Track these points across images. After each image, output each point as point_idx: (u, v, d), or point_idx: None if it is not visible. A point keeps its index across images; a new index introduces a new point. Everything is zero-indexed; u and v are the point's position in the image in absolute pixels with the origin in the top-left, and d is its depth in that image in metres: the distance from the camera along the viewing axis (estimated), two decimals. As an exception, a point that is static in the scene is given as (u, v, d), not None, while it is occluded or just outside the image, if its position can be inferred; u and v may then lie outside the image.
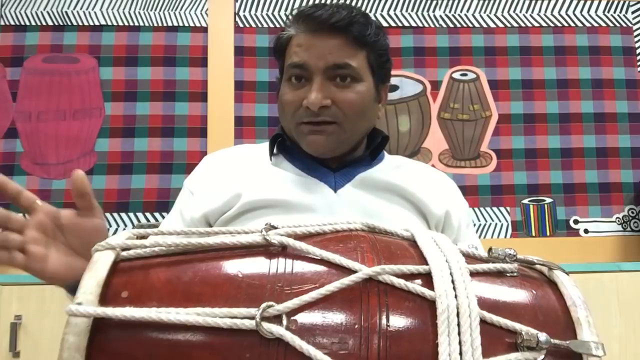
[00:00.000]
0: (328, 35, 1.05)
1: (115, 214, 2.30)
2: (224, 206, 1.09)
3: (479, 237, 2.36)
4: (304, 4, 2.47)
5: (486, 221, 2.42)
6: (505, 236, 2.42)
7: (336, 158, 1.12)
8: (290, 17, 1.12)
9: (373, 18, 1.13)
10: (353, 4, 2.51)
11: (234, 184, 1.10)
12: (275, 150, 1.18)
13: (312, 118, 1.05)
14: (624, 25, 2.59)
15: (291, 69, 1.08)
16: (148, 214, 2.31)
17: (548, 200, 2.45)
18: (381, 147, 1.19)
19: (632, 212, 2.46)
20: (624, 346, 1.85)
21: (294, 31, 1.09)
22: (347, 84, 1.06)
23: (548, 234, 2.44)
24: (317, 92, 1.03)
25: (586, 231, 2.44)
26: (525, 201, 2.44)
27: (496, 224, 2.42)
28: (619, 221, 2.45)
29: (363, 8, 2.51)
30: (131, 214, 2.30)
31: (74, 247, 0.89)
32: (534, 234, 2.44)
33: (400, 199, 1.11)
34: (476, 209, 2.42)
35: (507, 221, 2.43)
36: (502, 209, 2.43)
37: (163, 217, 2.28)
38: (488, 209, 2.43)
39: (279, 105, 1.13)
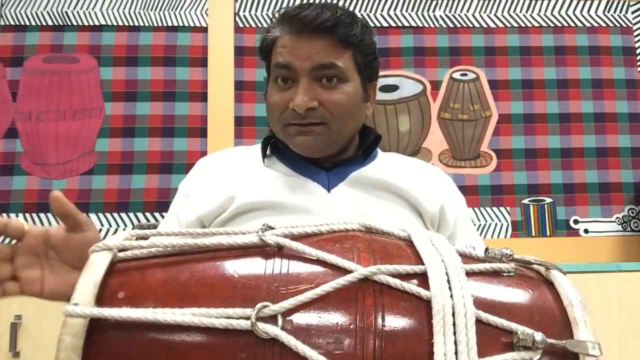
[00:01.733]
0: (313, 36, 1.04)
1: (115, 214, 2.31)
2: (218, 209, 1.09)
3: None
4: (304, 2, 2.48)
5: (486, 221, 2.42)
6: (505, 236, 2.42)
7: (328, 158, 1.12)
8: (275, 17, 1.11)
9: (359, 16, 1.12)
10: (353, 4, 2.51)
11: (228, 187, 1.10)
12: (268, 152, 1.18)
13: (299, 120, 1.05)
14: (624, 25, 2.59)
15: (277, 69, 1.07)
16: (148, 214, 2.32)
17: (548, 200, 2.45)
18: (374, 146, 1.19)
19: (632, 212, 2.46)
20: (624, 346, 1.85)
21: (279, 32, 1.08)
22: (333, 85, 1.05)
23: (548, 234, 2.44)
24: (303, 94, 1.03)
25: (586, 231, 2.44)
26: (525, 201, 2.44)
27: (496, 224, 2.42)
28: (619, 221, 2.45)
29: (364, 8, 2.51)
30: (131, 214, 2.30)
31: (70, 262, 0.89)
32: (534, 234, 2.44)
33: (394, 197, 1.11)
34: (476, 209, 2.42)
35: (507, 221, 2.43)
36: (502, 209, 2.43)
37: (163, 217, 2.28)
38: (488, 209, 2.43)
39: (266, 106, 1.12)
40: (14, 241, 0.87)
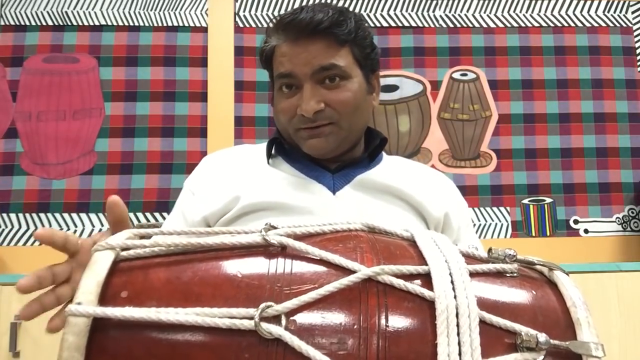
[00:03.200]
0: (309, 40, 1.05)
1: (115, 214, 2.30)
2: (223, 208, 1.09)
3: (479, 237, 2.36)
4: (303, 3, 2.48)
5: (486, 221, 2.42)
6: (505, 236, 2.42)
7: (335, 159, 1.13)
8: (270, 25, 1.12)
9: (350, 10, 1.13)
10: (353, 4, 2.51)
11: (233, 186, 1.10)
12: (273, 152, 1.18)
13: (308, 124, 1.06)
14: (624, 25, 2.59)
15: (280, 79, 1.08)
16: (148, 214, 2.32)
17: (548, 200, 2.45)
18: (380, 149, 1.20)
19: (632, 212, 2.46)
20: (624, 346, 1.85)
21: (276, 41, 1.10)
22: (337, 84, 1.07)
23: (548, 234, 2.44)
24: (309, 99, 1.04)
25: (586, 231, 2.44)
26: (525, 201, 2.44)
27: (496, 224, 2.42)
28: (619, 221, 2.45)
29: (363, 8, 2.51)
30: (131, 214, 2.30)
31: None
32: (534, 234, 2.44)
33: (399, 201, 1.12)
34: (476, 209, 2.42)
35: (507, 221, 2.43)
36: (502, 209, 2.43)
37: (163, 217, 2.28)
38: (488, 209, 2.43)
39: (274, 114, 1.14)
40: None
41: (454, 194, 1.23)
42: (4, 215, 2.28)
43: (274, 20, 1.11)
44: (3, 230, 2.27)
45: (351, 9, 1.73)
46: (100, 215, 2.30)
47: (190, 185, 1.19)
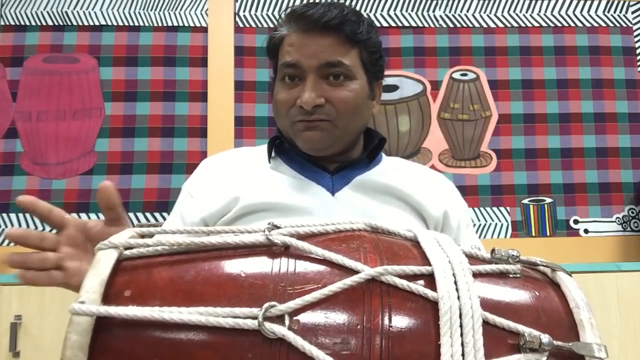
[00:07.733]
0: (320, 34, 1.06)
1: (115, 214, 2.30)
2: (222, 209, 1.09)
3: (479, 237, 2.36)
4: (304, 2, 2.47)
5: (486, 221, 2.42)
6: (506, 236, 2.42)
7: (334, 160, 1.13)
8: (282, 16, 1.13)
9: (365, 16, 1.14)
10: (353, 3, 2.51)
11: (232, 188, 1.10)
12: (273, 153, 1.18)
13: (306, 117, 1.06)
14: (624, 25, 2.59)
15: (284, 69, 1.08)
16: (148, 214, 2.31)
17: (548, 200, 2.45)
18: (378, 149, 1.20)
19: (632, 212, 2.46)
20: (624, 346, 1.85)
21: (286, 31, 1.10)
22: (340, 82, 1.07)
23: (548, 234, 2.44)
24: (311, 91, 1.04)
25: (586, 231, 2.44)
26: (525, 201, 2.44)
27: (496, 224, 2.42)
28: (619, 221, 2.46)
29: (364, 8, 2.51)
30: (131, 214, 2.30)
31: None
32: (534, 234, 2.44)
33: (398, 201, 1.12)
34: (476, 209, 2.42)
35: (507, 221, 2.43)
36: (502, 209, 2.43)
37: (163, 217, 2.28)
38: (488, 209, 2.43)
39: (273, 105, 1.14)
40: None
41: (453, 193, 1.23)
42: (4, 215, 2.28)
43: (286, 11, 1.12)
44: (3, 230, 2.26)
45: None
46: (100, 215, 2.29)
47: (189, 188, 1.19)
